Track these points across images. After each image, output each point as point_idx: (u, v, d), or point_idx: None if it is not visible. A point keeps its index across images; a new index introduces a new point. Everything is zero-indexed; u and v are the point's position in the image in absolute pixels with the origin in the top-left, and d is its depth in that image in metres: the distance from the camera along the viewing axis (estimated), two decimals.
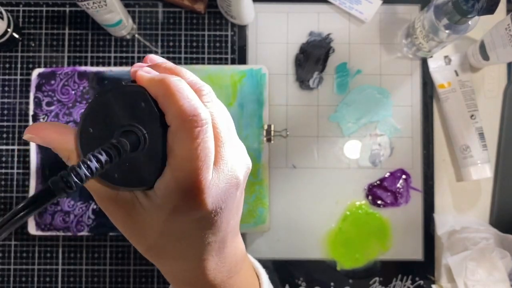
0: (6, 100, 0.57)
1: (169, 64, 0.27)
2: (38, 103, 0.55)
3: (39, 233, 0.55)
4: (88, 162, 0.20)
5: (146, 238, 0.26)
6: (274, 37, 0.58)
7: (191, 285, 0.29)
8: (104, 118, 0.24)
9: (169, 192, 0.24)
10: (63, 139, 0.25)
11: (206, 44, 0.58)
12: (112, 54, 0.57)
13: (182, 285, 0.29)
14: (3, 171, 0.56)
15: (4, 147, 0.57)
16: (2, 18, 0.52)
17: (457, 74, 0.56)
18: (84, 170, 0.20)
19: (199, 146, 0.23)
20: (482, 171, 0.54)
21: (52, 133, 0.25)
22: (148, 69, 0.25)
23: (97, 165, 0.20)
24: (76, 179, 0.19)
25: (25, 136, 0.25)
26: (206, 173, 0.23)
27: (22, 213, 0.19)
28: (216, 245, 0.27)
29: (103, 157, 0.21)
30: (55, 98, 0.55)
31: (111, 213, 0.26)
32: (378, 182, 0.57)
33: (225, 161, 0.25)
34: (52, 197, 0.19)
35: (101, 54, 0.57)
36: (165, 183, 0.24)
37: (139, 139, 0.23)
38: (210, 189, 0.24)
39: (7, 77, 0.57)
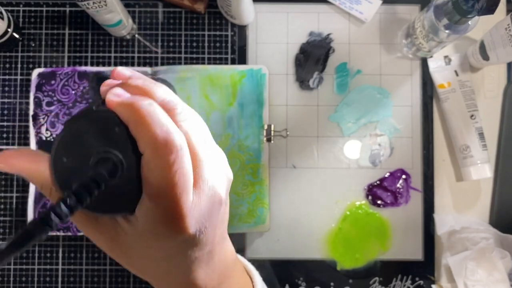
0: (6, 100, 0.57)
1: (139, 80, 0.25)
2: (38, 103, 0.55)
3: None
4: (68, 201, 0.19)
5: (131, 259, 0.25)
6: (274, 37, 0.58)
7: None
8: (78, 146, 0.23)
9: (149, 219, 0.23)
10: (35, 169, 0.23)
11: (206, 44, 0.58)
12: (112, 54, 0.57)
13: None
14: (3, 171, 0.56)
15: (4, 147, 0.57)
16: (2, 18, 0.52)
17: (457, 74, 0.56)
18: (64, 210, 0.19)
19: (176, 173, 0.22)
20: (482, 171, 0.54)
21: (22, 162, 0.23)
22: (118, 91, 0.23)
23: (77, 203, 0.20)
24: (57, 220, 0.19)
25: None
26: (186, 197, 0.22)
27: (2, 256, 0.18)
28: (204, 258, 0.26)
29: (83, 194, 0.20)
30: (55, 98, 0.55)
31: (94, 238, 0.25)
32: (378, 182, 0.57)
33: (205, 180, 0.23)
34: (32, 238, 0.18)
35: (101, 54, 0.57)
36: (144, 211, 0.23)
37: (116, 165, 0.22)
38: (191, 212, 0.23)
39: (7, 77, 0.57)
